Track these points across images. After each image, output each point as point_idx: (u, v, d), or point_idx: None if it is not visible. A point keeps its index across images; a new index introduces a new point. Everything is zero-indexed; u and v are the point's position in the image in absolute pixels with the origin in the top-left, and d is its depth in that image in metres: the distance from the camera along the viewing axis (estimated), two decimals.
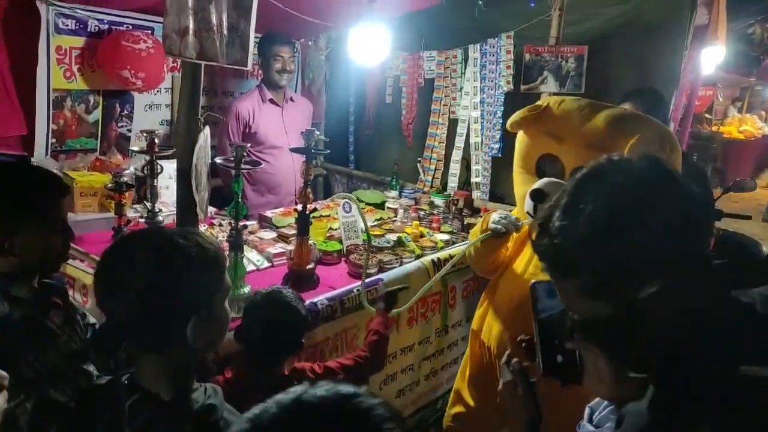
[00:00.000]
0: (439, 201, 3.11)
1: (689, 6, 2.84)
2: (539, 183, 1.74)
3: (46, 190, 1.21)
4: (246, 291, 1.89)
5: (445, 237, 2.67)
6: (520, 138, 1.93)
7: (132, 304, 0.92)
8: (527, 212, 1.77)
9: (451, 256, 2.46)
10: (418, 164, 3.58)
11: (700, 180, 2.34)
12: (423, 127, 3.59)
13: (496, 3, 3.13)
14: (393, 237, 2.55)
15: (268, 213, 2.83)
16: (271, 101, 3.10)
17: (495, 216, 1.83)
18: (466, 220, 2.91)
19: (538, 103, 1.87)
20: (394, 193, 3.29)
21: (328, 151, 2.59)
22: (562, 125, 1.77)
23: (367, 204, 3.12)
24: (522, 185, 1.86)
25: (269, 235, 2.56)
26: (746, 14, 6.72)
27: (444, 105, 3.43)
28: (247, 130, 3.04)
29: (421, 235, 2.65)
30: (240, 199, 1.85)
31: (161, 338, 0.95)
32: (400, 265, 2.32)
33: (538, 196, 1.71)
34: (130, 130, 3.20)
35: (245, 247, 2.13)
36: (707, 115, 8.54)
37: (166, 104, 3.33)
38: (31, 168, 1.41)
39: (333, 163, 4.05)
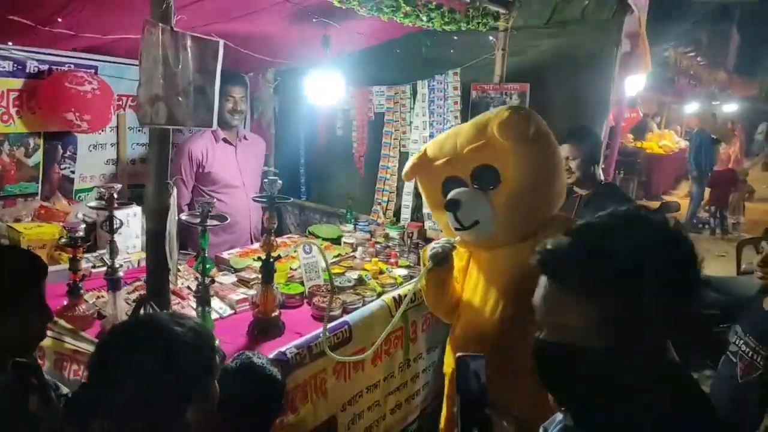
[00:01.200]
0: (393, 233, 3.19)
1: (615, 38, 3.04)
2: (450, 195, 1.94)
3: (26, 275, 1.18)
4: (215, 345, 1.88)
5: (404, 272, 2.74)
6: (419, 184, 2.18)
7: (135, 400, 0.93)
8: (454, 228, 1.95)
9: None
10: (378, 205, 3.65)
11: (626, 202, 2.53)
12: (374, 159, 3.65)
13: (443, 40, 3.25)
14: (353, 275, 2.59)
15: (225, 254, 2.80)
16: (225, 140, 3.07)
17: (430, 245, 2.03)
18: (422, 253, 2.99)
19: (419, 152, 2.13)
20: (349, 227, 3.34)
21: (291, 199, 2.60)
22: (443, 152, 2.01)
23: (324, 239, 3.15)
24: (442, 216, 2.04)
25: (229, 279, 2.53)
26: (662, 40, 7.35)
27: (395, 138, 3.52)
28: (200, 170, 3.00)
29: (381, 272, 2.71)
30: (206, 255, 1.84)
31: (162, 428, 0.96)
32: (363, 305, 2.36)
33: (452, 205, 1.89)
34: (73, 172, 3.08)
35: None
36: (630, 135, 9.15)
37: (112, 143, 3.23)
38: (6, 250, 1.36)
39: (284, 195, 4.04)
